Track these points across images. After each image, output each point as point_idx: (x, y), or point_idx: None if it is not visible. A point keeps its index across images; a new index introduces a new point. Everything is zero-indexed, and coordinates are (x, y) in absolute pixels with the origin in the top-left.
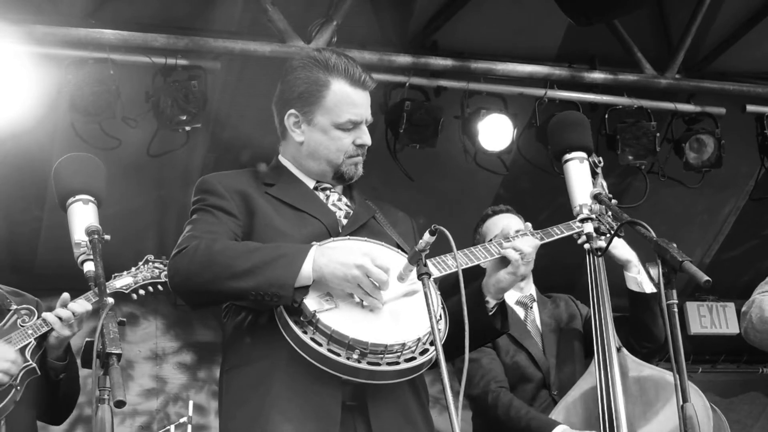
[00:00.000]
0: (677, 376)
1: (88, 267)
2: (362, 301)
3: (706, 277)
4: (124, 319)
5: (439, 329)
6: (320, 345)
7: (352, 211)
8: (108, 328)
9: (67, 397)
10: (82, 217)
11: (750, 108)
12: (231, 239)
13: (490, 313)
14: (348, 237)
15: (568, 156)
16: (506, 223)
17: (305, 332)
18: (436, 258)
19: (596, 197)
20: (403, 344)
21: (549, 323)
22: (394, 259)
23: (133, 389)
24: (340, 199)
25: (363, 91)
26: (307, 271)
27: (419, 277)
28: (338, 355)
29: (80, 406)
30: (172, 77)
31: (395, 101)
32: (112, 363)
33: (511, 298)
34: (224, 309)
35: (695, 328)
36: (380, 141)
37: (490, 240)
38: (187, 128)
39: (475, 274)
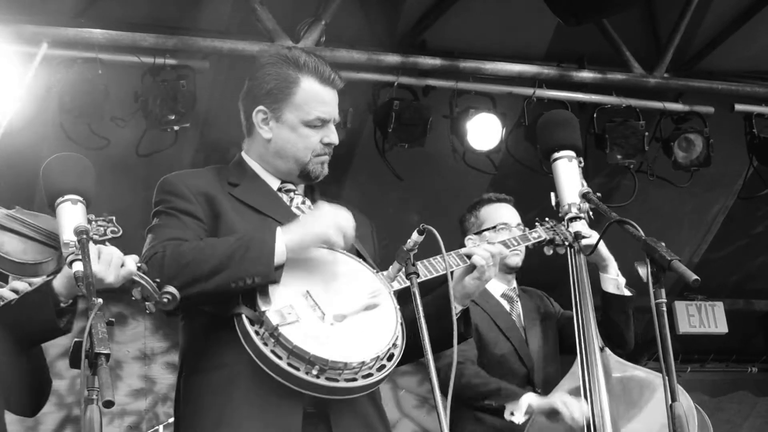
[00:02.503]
0: (666, 375)
1: (77, 267)
2: (324, 315)
3: (695, 276)
4: (113, 320)
5: (396, 344)
6: (280, 358)
7: None
8: (96, 328)
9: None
10: (71, 217)
11: (738, 107)
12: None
13: (456, 317)
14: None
15: (556, 155)
16: (505, 215)
17: (266, 344)
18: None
19: (585, 196)
20: (362, 362)
21: (532, 318)
22: (352, 267)
23: (122, 389)
24: (303, 202)
25: (332, 90)
26: (281, 245)
27: (407, 276)
28: (297, 369)
29: (69, 407)
30: (160, 77)
31: (384, 100)
32: (100, 363)
33: (497, 290)
34: (181, 311)
35: (684, 328)
36: (369, 140)
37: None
38: (176, 128)
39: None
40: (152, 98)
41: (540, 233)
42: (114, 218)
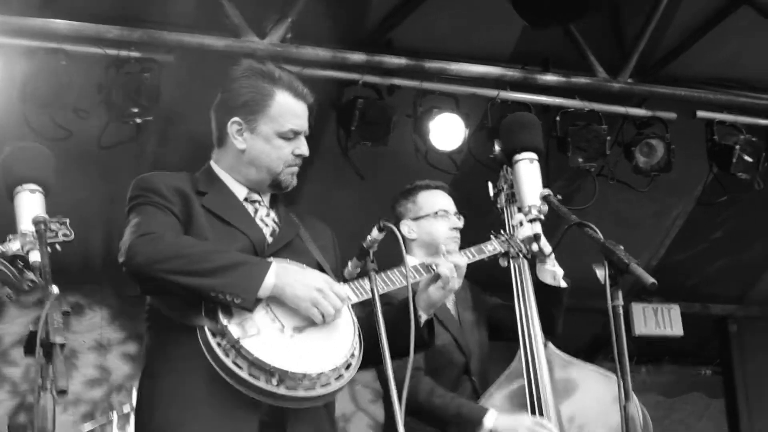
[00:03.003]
0: (621, 378)
1: (34, 257)
2: (284, 327)
3: (652, 279)
4: (69, 310)
5: (354, 354)
6: (241, 368)
7: (278, 229)
8: (52, 317)
9: None
10: (29, 206)
11: (700, 114)
12: None
13: (421, 327)
14: (285, 260)
15: (518, 156)
16: (444, 202)
17: (227, 355)
18: (354, 282)
19: (545, 198)
20: (321, 373)
21: (465, 307)
22: None
23: (77, 378)
24: (268, 215)
25: (304, 104)
26: (269, 283)
27: (367, 273)
28: (257, 379)
29: (23, 395)
30: (124, 69)
31: (348, 99)
32: (55, 352)
33: None
34: (146, 313)
35: (640, 330)
36: (331, 138)
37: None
38: (139, 121)
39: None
40: (115, 90)
41: (495, 245)
42: (68, 221)
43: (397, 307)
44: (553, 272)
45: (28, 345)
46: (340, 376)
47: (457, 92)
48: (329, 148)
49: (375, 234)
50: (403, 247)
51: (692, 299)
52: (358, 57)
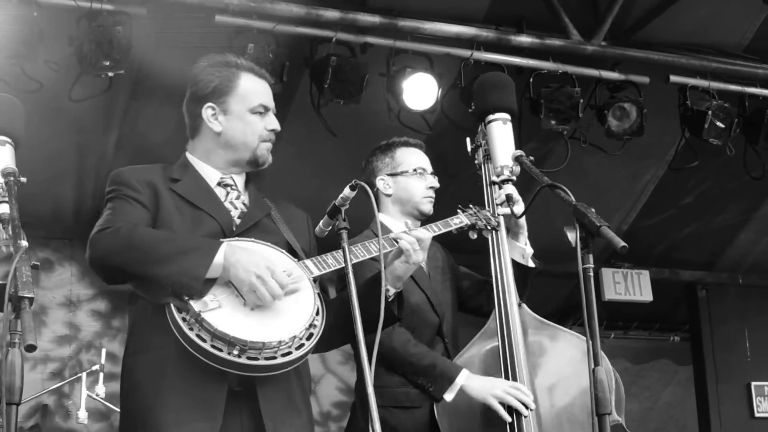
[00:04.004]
0: (590, 340)
1: (3, 209)
2: (245, 301)
3: (623, 243)
4: (38, 263)
5: (315, 324)
6: (204, 341)
7: (246, 210)
8: (21, 271)
9: None
10: None
11: (673, 78)
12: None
13: (389, 300)
14: (250, 239)
15: (491, 117)
16: (422, 161)
17: (191, 329)
18: (317, 257)
19: (517, 159)
20: (280, 341)
21: (435, 266)
22: (273, 256)
23: (46, 335)
24: (238, 197)
25: (266, 83)
26: (217, 265)
27: (338, 231)
28: (220, 350)
29: None
30: (96, 22)
31: (321, 56)
32: (23, 307)
33: None
34: (129, 296)
35: (609, 294)
36: (304, 95)
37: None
38: (110, 74)
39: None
40: (87, 43)
41: (462, 219)
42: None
43: (365, 283)
44: (523, 250)
45: None
46: (301, 345)
47: (431, 52)
48: (302, 104)
49: (347, 192)
50: (375, 206)
51: (662, 265)
52: (331, 14)
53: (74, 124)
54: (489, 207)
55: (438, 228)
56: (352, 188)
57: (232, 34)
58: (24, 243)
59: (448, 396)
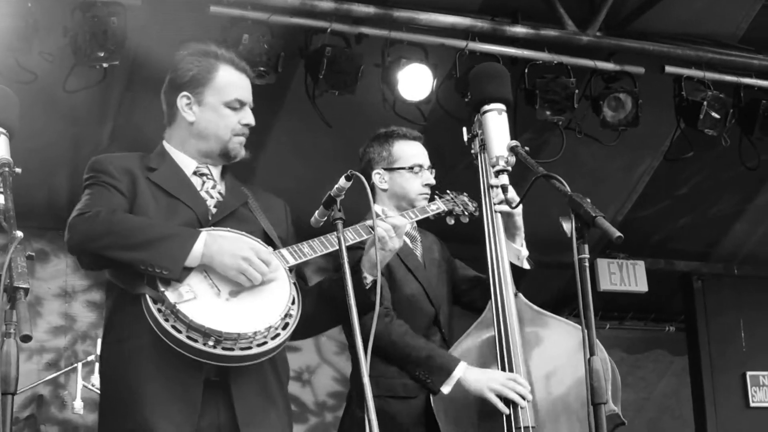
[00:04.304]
0: (586, 330)
1: None
2: (220, 292)
3: (618, 233)
4: (33, 254)
5: (290, 314)
6: (180, 332)
7: (222, 200)
8: (16, 262)
9: None
10: None
11: (669, 69)
12: None
13: (367, 288)
14: (225, 229)
15: (486, 107)
16: (420, 156)
17: (167, 320)
18: (293, 247)
19: (513, 149)
20: (255, 332)
21: (431, 258)
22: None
23: (41, 326)
24: (214, 187)
25: (246, 78)
26: (197, 253)
27: (333, 221)
28: (195, 341)
29: None
30: (91, 12)
31: (316, 47)
32: (19, 297)
33: None
34: (107, 284)
35: (605, 285)
36: (299, 86)
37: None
38: (105, 65)
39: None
40: (82, 34)
41: (439, 205)
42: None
43: (339, 274)
44: (519, 252)
45: None
46: (276, 335)
47: (426, 42)
48: (297, 95)
49: (342, 182)
50: (370, 197)
51: (657, 255)
52: (326, 4)
53: (69, 115)
54: (484, 197)
55: (415, 214)
56: (348, 178)
57: (226, 25)
58: (19, 234)
59: (446, 389)
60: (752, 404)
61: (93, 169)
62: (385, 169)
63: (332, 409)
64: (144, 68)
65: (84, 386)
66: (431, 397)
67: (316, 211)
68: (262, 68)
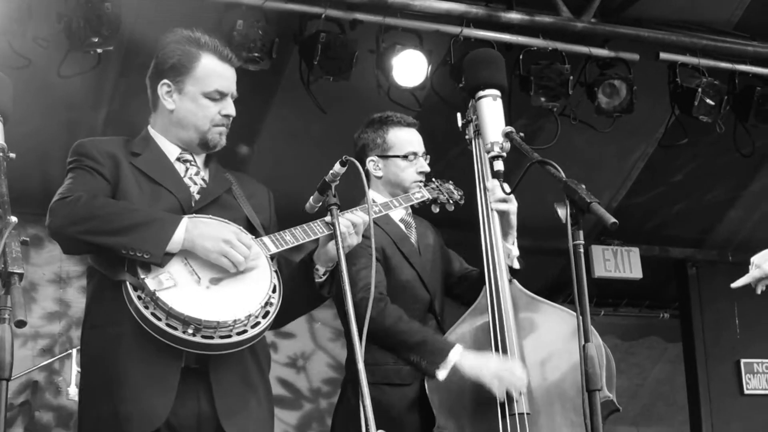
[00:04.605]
0: (580, 316)
1: None
2: (200, 279)
3: (613, 219)
4: (27, 239)
5: (271, 302)
6: (159, 319)
7: (206, 186)
8: (11, 247)
9: None
10: None
11: (663, 55)
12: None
13: (320, 280)
14: (208, 216)
15: (481, 93)
16: (415, 144)
17: (147, 307)
18: (274, 234)
19: (508, 135)
20: (235, 320)
21: (425, 244)
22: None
23: (36, 312)
24: (197, 173)
25: (230, 67)
26: (178, 238)
27: (328, 207)
28: (175, 329)
29: None
30: None
31: (310, 32)
32: (13, 282)
33: (396, 215)
34: (88, 270)
35: (599, 272)
36: (294, 72)
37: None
38: (99, 51)
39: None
40: (76, 19)
41: (423, 193)
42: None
43: (298, 264)
44: (509, 250)
45: None
46: (257, 324)
47: (420, 28)
48: (291, 81)
49: (337, 168)
50: (365, 182)
51: (651, 242)
52: None
53: (63, 101)
54: (479, 182)
55: (399, 202)
56: (343, 164)
57: (221, 10)
58: (13, 219)
59: (441, 373)
60: (746, 391)
61: (76, 152)
62: (379, 156)
63: (327, 396)
64: (138, 54)
65: (78, 372)
66: (426, 383)
67: (311, 197)
68: (256, 54)
